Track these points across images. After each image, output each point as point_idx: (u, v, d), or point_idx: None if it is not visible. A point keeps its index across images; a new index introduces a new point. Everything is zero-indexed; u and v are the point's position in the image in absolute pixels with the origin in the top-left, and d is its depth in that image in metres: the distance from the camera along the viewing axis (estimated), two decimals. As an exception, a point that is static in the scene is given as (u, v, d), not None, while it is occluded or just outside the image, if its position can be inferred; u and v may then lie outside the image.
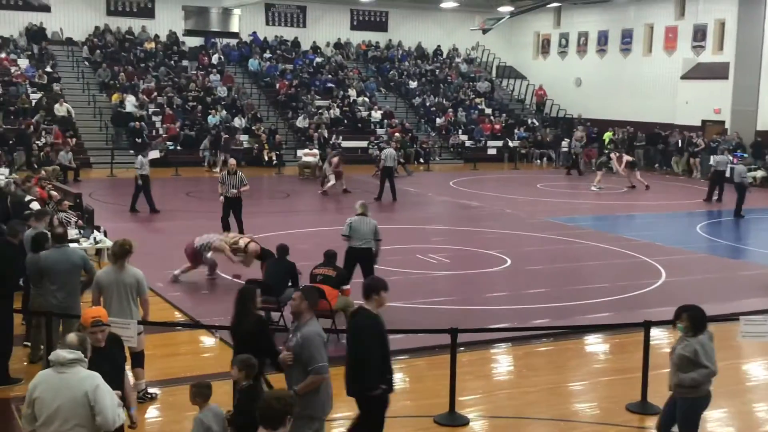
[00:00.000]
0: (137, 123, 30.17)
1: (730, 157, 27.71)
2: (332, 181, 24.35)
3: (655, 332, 10.25)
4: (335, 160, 24.65)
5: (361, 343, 6.64)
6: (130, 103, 31.32)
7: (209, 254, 13.06)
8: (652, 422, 8.41)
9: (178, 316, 11.60)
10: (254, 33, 37.84)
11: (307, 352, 6.21)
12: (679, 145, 32.62)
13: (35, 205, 13.14)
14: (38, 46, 33.18)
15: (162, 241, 16.14)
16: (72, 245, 11.83)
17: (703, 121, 33.03)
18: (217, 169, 28.10)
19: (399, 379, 9.77)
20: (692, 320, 6.87)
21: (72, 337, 5.43)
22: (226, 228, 15.77)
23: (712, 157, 26.21)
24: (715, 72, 32.36)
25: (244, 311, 7.03)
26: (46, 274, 8.69)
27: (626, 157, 27.85)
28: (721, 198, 24.26)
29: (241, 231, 15.83)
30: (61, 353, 5.16)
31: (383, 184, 23.12)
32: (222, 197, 16.74)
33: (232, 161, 17.64)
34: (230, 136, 30.16)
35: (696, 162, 31.22)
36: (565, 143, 33.79)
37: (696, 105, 32.93)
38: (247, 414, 6.04)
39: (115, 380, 5.74)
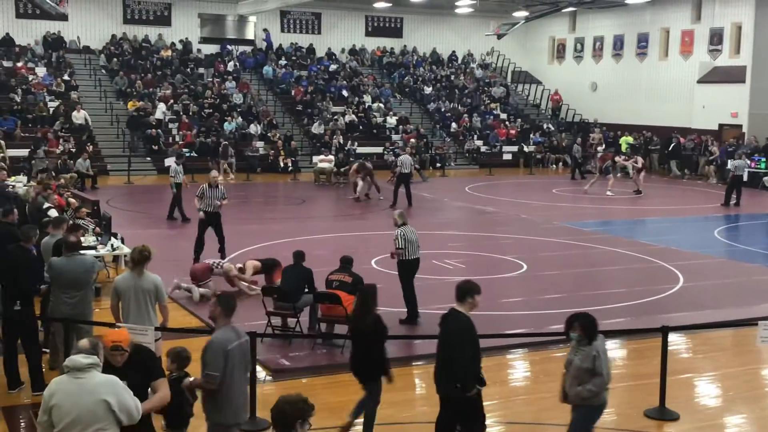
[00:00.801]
0: (153, 130, 30.35)
1: (748, 162, 27.55)
2: (360, 184, 24.40)
3: (673, 337, 10.21)
4: (354, 166, 24.91)
5: (453, 345, 6.77)
6: (160, 110, 31.57)
7: (219, 270, 13.04)
8: (670, 428, 8.38)
9: (194, 322, 11.64)
10: (267, 33, 37.90)
11: (205, 356, 6.22)
12: (670, 147, 32.61)
13: (53, 212, 13.24)
14: (56, 54, 33.48)
15: (179, 248, 16.16)
16: (90, 252, 11.93)
17: (720, 125, 32.85)
18: (232, 176, 28.12)
19: (416, 384, 9.78)
20: (584, 328, 6.63)
21: (84, 342, 5.42)
22: (201, 249, 14.94)
23: (729, 161, 26.09)
24: (732, 76, 32.18)
25: (365, 309, 7.59)
26: (56, 281, 8.78)
27: (640, 160, 27.79)
28: (739, 202, 24.10)
29: (222, 249, 14.97)
30: (77, 359, 5.15)
31: (398, 190, 23.11)
32: (201, 213, 15.16)
33: (214, 173, 15.99)
34: (228, 143, 30.16)
35: (711, 168, 31.07)
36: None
37: (713, 109, 32.75)
38: (173, 403, 6.13)
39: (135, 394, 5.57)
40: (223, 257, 14.75)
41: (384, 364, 7.61)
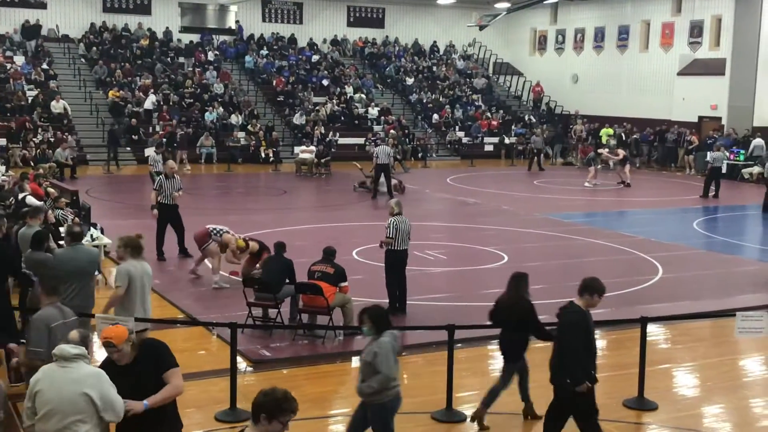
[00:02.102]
0: (133, 120, 30.13)
1: (727, 154, 27.76)
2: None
3: (651, 328, 10.29)
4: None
5: (568, 338, 6.87)
6: (150, 101, 31.30)
7: (215, 243, 12.89)
8: (649, 418, 8.45)
9: (176, 314, 11.59)
10: (240, 27, 37.69)
11: (29, 334, 6.39)
12: (623, 138, 33.16)
13: (31, 200, 13.14)
14: (32, 43, 33.05)
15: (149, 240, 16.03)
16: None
17: (700, 118, 33.07)
18: (188, 168, 27.75)
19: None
20: (373, 320, 6.47)
21: (74, 333, 5.40)
22: (162, 245, 14.48)
23: (708, 153, 26.28)
24: (711, 68, 32.38)
25: (517, 293, 7.99)
26: (57, 272, 8.66)
27: (621, 152, 27.97)
28: (718, 194, 24.29)
29: (182, 248, 14.52)
30: (65, 348, 5.13)
31: (377, 182, 23.06)
32: (155, 210, 14.62)
33: (171, 163, 15.26)
34: (186, 133, 29.78)
35: (690, 159, 31.34)
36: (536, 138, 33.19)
37: (693, 101, 32.96)
38: None
39: (136, 396, 5.38)
40: (182, 252, 14.54)
41: (526, 347, 8.04)
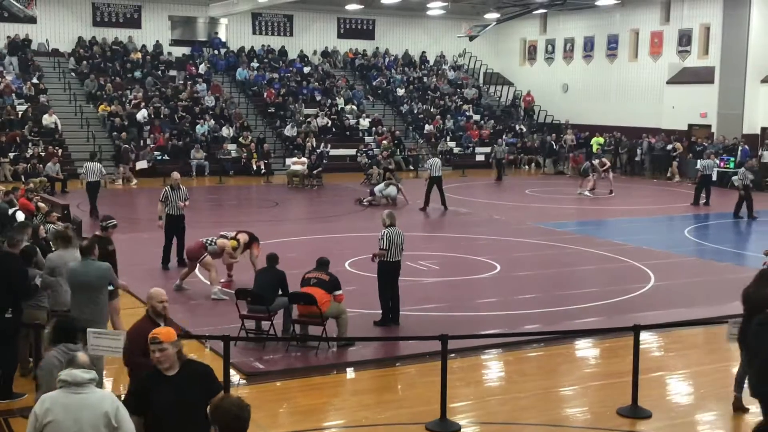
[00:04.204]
0: (123, 133, 30.07)
1: (717, 161, 27.87)
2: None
3: (644, 336, 10.30)
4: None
5: None
6: (142, 114, 31.27)
7: (210, 255, 12.96)
8: (643, 426, 8.44)
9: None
10: (216, 35, 37.75)
11: None
12: (594, 143, 33.49)
13: (20, 215, 13.08)
14: (23, 56, 32.92)
15: (149, 251, 16.01)
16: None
17: (690, 125, 33.22)
18: (120, 182, 27.59)
19: (392, 387, 9.77)
20: (53, 328, 6.25)
21: (82, 356, 5.19)
22: (168, 260, 14.75)
23: (698, 161, 26.39)
24: (700, 76, 32.56)
25: (759, 288, 8.25)
26: (72, 286, 8.60)
27: (606, 162, 28.08)
28: (709, 201, 24.38)
29: (181, 258, 14.59)
30: (77, 374, 4.93)
31: (429, 195, 22.97)
32: (161, 221, 14.82)
33: (175, 174, 15.34)
34: (129, 147, 29.31)
35: (674, 167, 31.48)
36: (498, 147, 33.02)
37: (682, 109, 33.11)
38: None
39: (179, 410, 5.23)
40: (180, 263, 14.57)
41: None
